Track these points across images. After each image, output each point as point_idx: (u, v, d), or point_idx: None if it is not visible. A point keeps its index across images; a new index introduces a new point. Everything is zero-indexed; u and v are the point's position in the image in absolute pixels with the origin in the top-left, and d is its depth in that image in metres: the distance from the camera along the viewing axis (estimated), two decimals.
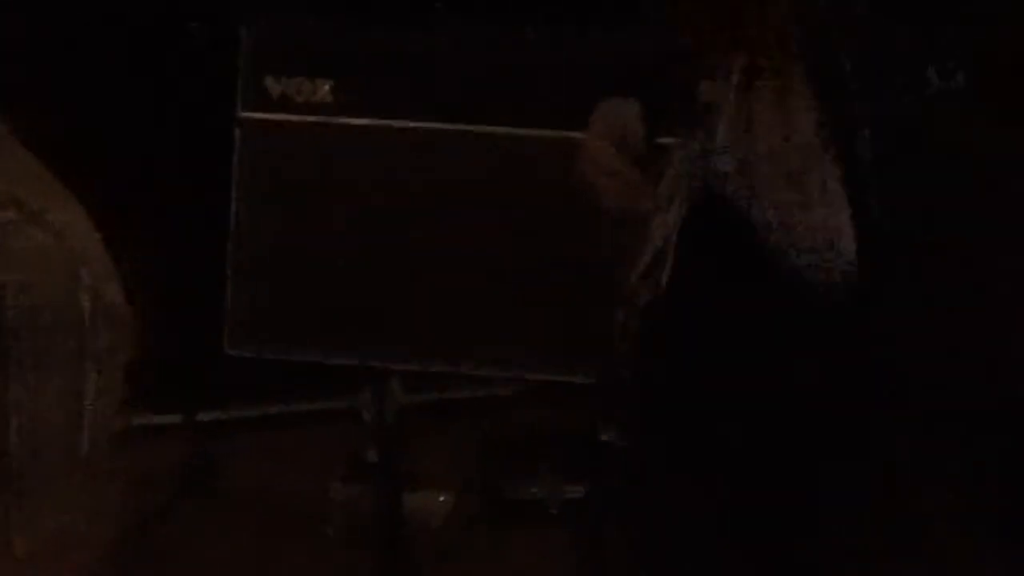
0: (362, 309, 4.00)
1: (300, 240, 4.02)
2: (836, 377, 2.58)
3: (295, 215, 4.01)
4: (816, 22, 2.56)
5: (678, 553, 2.73)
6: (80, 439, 1.21)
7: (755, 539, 2.64)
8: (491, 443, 4.43)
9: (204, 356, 4.14)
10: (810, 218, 2.52)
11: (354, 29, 4.02)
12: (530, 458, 4.32)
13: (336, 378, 4.29)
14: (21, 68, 3.34)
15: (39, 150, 1.29)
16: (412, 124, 3.96)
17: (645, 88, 2.79)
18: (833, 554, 2.59)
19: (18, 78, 2.18)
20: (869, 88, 2.53)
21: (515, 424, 4.47)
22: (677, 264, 2.62)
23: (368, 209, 3.97)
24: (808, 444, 2.60)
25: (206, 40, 4.02)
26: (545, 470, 4.25)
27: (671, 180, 2.71)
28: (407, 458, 4.15)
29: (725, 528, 2.65)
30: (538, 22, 3.87)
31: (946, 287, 2.56)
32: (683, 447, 2.71)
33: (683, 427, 2.70)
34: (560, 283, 3.87)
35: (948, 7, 2.59)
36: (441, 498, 4.24)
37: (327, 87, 3.98)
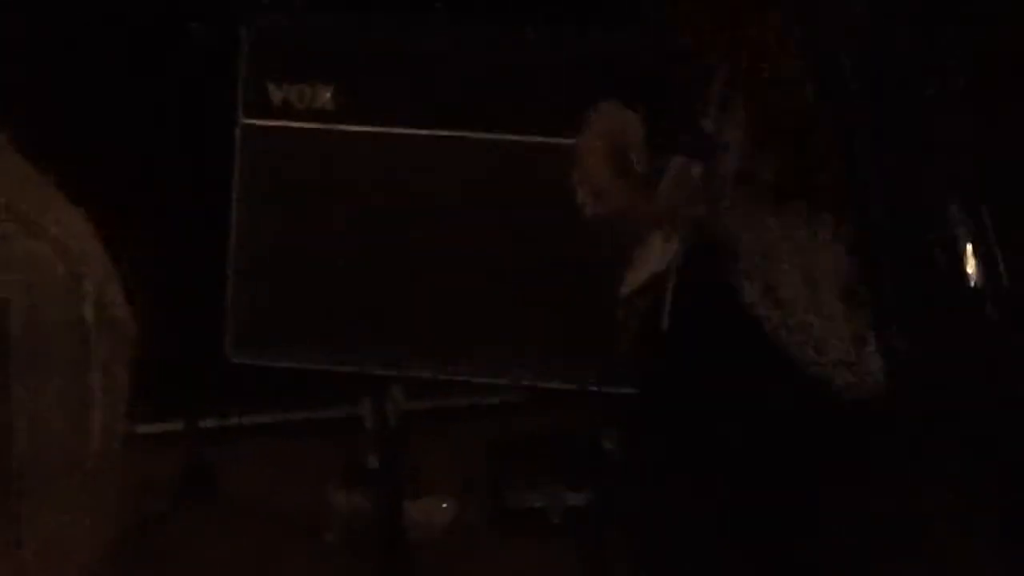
0: (363, 314, 3.99)
1: (301, 245, 4.01)
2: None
3: (296, 219, 4.01)
4: (816, 22, 2.56)
5: (679, 556, 2.73)
6: (83, 442, 1.22)
7: (755, 540, 2.64)
8: (493, 450, 4.42)
9: (205, 363, 4.14)
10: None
11: (354, 29, 4.02)
12: (532, 465, 4.31)
13: (337, 385, 4.29)
14: (21, 68, 3.34)
15: (39, 150, 1.29)
16: (412, 129, 3.96)
17: (645, 89, 2.79)
18: (833, 554, 2.59)
19: (18, 79, 2.18)
20: (869, 88, 2.53)
21: (517, 431, 4.46)
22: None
23: (368, 214, 3.97)
24: (808, 445, 2.60)
25: (206, 40, 4.02)
26: (547, 478, 4.23)
27: (669, 193, 2.71)
28: (408, 465, 4.14)
29: (726, 529, 2.65)
30: (538, 22, 3.87)
31: (945, 287, 2.56)
32: (683, 448, 2.70)
33: (683, 428, 2.70)
34: (561, 288, 3.87)
35: (948, 7, 2.59)
36: (443, 505, 4.23)
37: (328, 94, 3.98)
